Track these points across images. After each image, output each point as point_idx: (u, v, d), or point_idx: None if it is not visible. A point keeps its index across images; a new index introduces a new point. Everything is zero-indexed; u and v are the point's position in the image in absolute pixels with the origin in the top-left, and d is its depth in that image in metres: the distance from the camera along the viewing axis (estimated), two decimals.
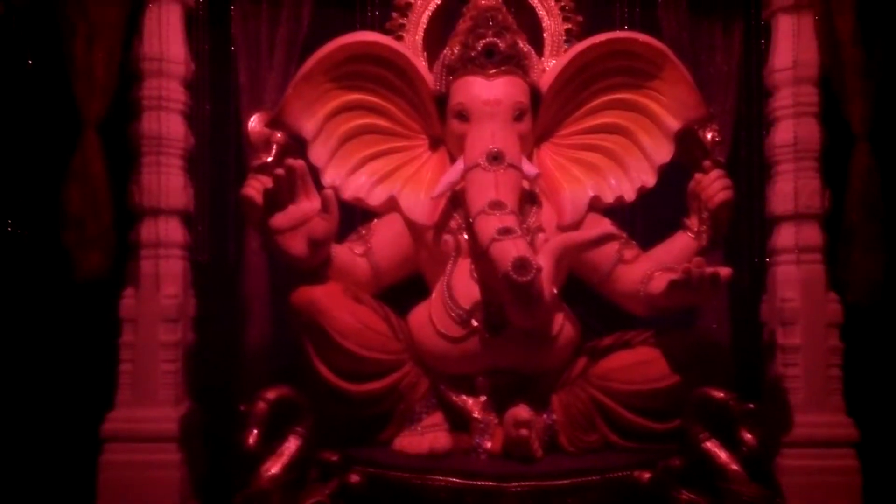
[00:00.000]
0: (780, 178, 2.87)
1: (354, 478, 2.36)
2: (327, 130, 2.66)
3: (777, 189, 2.87)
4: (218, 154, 2.90)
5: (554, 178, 2.69)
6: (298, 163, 2.43)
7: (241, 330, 2.91)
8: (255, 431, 2.24)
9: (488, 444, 2.44)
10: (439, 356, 2.51)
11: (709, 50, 2.95)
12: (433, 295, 2.58)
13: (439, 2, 2.80)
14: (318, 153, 2.64)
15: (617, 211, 2.74)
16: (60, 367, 2.91)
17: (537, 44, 2.77)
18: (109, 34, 2.70)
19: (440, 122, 2.71)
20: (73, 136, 2.69)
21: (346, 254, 2.60)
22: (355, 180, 2.68)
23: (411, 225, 2.65)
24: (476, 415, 2.48)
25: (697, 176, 2.62)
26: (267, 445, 2.28)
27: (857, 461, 2.75)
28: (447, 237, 2.61)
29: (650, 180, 2.69)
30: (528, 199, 2.63)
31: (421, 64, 2.72)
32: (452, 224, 2.61)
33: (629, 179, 2.69)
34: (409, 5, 2.79)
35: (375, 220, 2.70)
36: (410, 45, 2.76)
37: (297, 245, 2.41)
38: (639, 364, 2.47)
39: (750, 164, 2.92)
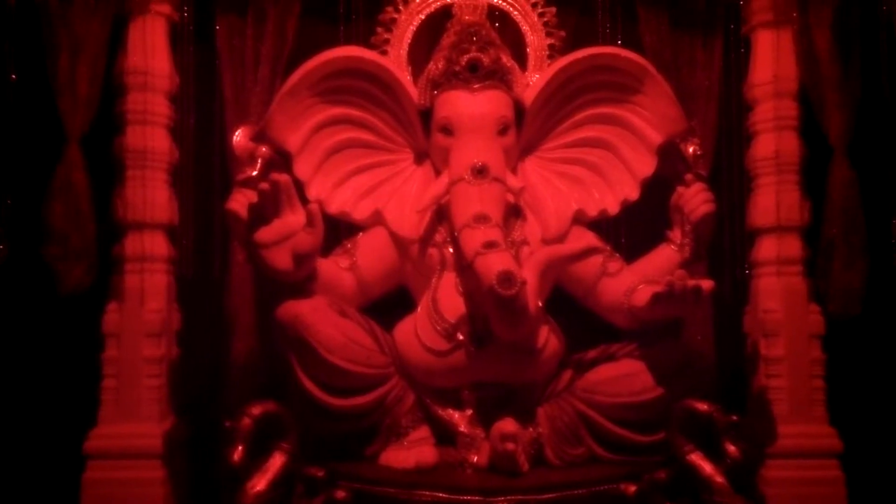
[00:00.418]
0: (761, 190, 2.91)
1: (340, 493, 2.35)
2: (312, 144, 2.67)
3: (758, 202, 2.91)
4: (203, 168, 2.90)
5: (538, 191, 2.71)
6: (283, 177, 2.44)
7: (226, 345, 2.89)
8: (241, 447, 2.24)
9: (475, 458, 2.45)
10: (425, 370, 2.51)
11: (690, 65, 2.98)
12: (418, 308, 2.58)
13: (424, 17, 2.82)
14: (303, 167, 2.64)
15: (601, 224, 2.76)
16: (43, 383, 2.89)
17: (521, 59, 2.80)
18: (93, 48, 2.71)
19: (425, 136, 2.72)
20: (56, 150, 2.68)
21: (332, 268, 2.60)
22: (340, 194, 2.69)
23: (396, 238, 2.65)
24: (462, 429, 2.48)
25: (680, 189, 2.64)
26: (252, 461, 2.28)
27: (840, 472, 2.77)
28: (432, 250, 2.62)
29: (633, 193, 2.71)
30: (513, 213, 2.65)
31: (405, 78, 2.73)
32: (437, 237, 2.62)
33: (612, 193, 2.72)
34: (394, 20, 2.81)
35: (361, 233, 2.71)
36: (395, 60, 2.77)
37: (282, 259, 2.41)
38: (623, 376, 2.49)
39: (731, 177, 2.96)
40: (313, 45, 2.74)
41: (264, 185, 2.39)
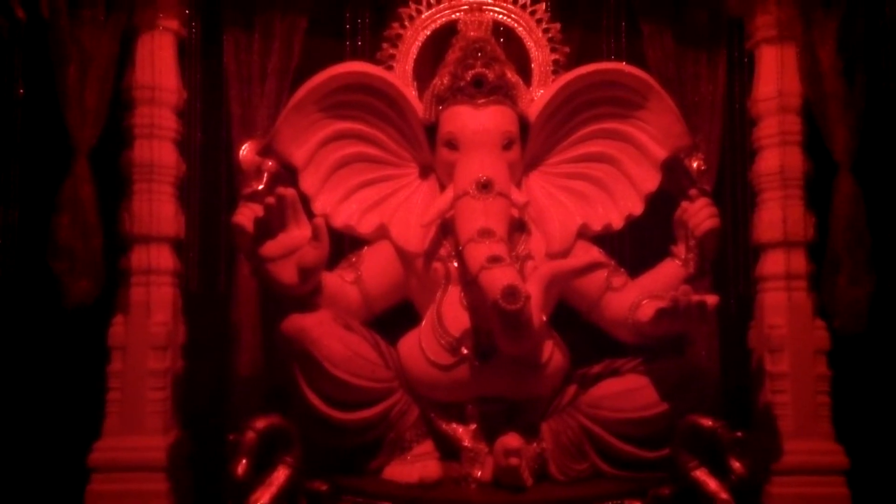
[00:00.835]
0: (766, 205, 2.91)
1: None
2: (318, 159, 2.68)
3: (763, 217, 2.91)
4: (209, 182, 2.92)
5: (543, 206, 2.71)
6: (289, 191, 2.45)
7: (232, 358, 2.90)
8: (244, 461, 2.23)
9: (478, 473, 2.44)
10: (429, 384, 2.51)
11: (694, 80, 2.99)
12: (423, 322, 2.58)
13: (429, 33, 2.84)
14: (308, 181, 2.66)
15: (605, 239, 2.77)
16: (48, 395, 2.90)
17: (525, 74, 2.81)
18: (102, 63, 2.74)
19: (430, 150, 2.73)
20: (64, 163, 2.70)
21: (337, 281, 2.61)
22: (346, 208, 2.70)
23: (401, 252, 2.66)
24: (466, 443, 2.48)
25: (684, 204, 2.65)
26: (256, 475, 2.27)
27: (846, 489, 2.75)
28: (437, 265, 2.62)
29: (637, 208, 2.72)
30: (518, 227, 2.66)
31: (411, 93, 2.75)
32: (442, 252, 2.63)
33: (617, 207, 2.73)
34: (400, 36, 2.83)
35: (366, 247, 2.72)
36: (401, 75, 2.79)
37: (287, 273, 2.42)
38: (628, 392, 2.48)
39: (736, 193, 2.96)
40: (320, 60, 2.76)
41: (270, 200, 2.40)
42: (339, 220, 2.68)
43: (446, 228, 2.63)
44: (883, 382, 3.01)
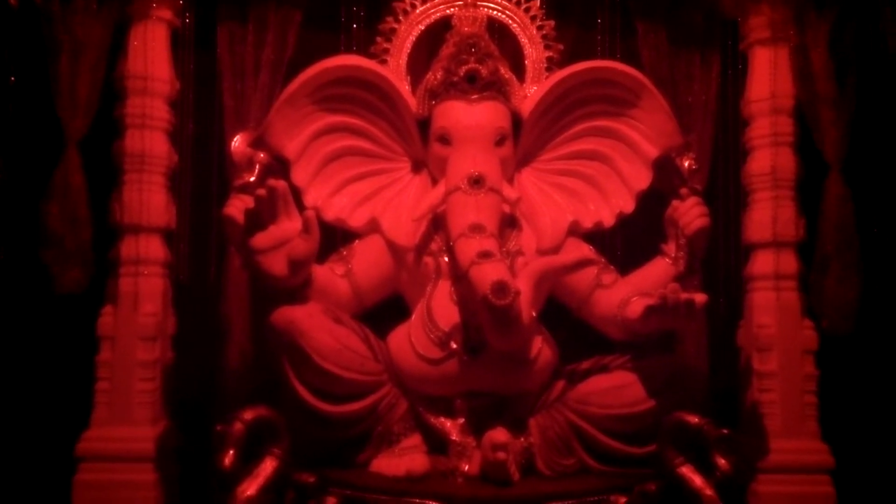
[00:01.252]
0: (757, 206, 2.92)
1: (331, 500, 2.35)
2: (310, 152, 2.68)
3: (753, 217, 2.92)
4: (201, 173, 2.91)
5: (534, 202, 2.72)
6: (280, 183, 2.45)
7: (221, 349, 2.89)
8: (232, 452, 2.22)
9: (466, 467, 2.44)
10: (418, 377, 2.52)
11: (687, 80, 3.00)
12: (413, 316, 2.58)
13: (423, 28, 2.84)
14: (300, 174, 2.66)
15: (596, 236, 2.77)
16: (37, 384, 2.89)
17: (519, 71, 2.81)
18: (94, 52, 2.73)
19: (422, 145, 2.74)
20: (55, 152, 2.69)
21: (327, 274, 2.61)
22: (337, 201, 2.70)
23: (392, 246, 2.66)
24: (454, 437, 2.48)
25: (675, 203, 2.66)
26: (243, 466, 2.27)
27: (832, 488, 2.77)
28: (428, 259, 2.63)
29: (628, 206, 2.73)
30: (509, 223, 2.66)
31: (404, 88, 2.75)
32: (433, 246, 2.63)
33: (608, 205, 2.73)
34: (394, 30, 2.83)
35: (357, 241, 2.72)
36: (394, 70, 2.79)
37: (277, 265, 2.42)
38: (616, 388, 2.49)
39: (727, 193, 2.97)
40: (313, 53, 2.76)
41: (261, 191, 2.40)
42: (330, 214, 2.68)
43: (437, 223, 2.63)
44: (869, 383, 3.03)
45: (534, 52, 2.84)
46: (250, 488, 2.25)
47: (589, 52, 2.90)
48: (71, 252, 2.65)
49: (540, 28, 2.85)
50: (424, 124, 2.71)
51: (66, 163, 2.68)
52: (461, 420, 2.50)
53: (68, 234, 2.65)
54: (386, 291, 2.71)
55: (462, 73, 2.63)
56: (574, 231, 2.71)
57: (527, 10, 2.84)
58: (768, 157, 2.90)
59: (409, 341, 2.52)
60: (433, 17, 2.83)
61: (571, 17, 3.00)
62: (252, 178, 2.58)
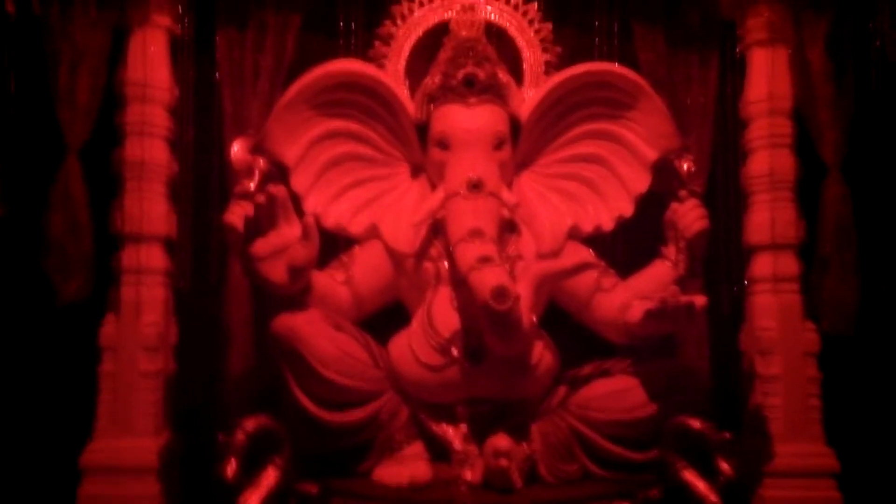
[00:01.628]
0: (756, 207, 2.92)
1: None
2: (309, 157, 2.68)
3: (753, 219, 2.92)
4: (201, 180, 2.90)
5: (533, 206, 2.72)
6: (279, 189, 2.45)
7: (223, 358, 2.88)
8: (234, 462, 2.22)
9: (468, 475, 2.44)
10: (419, 385, 2.51)
11: (686, 82, 3.00)
12: (413, 323, 2.58)
13: (422, 32, 2.83)
14: (300, 180, 2.66)
15: (595, 239, 2.77)
16: (39, 396, 2.88)
17: (517, 75, 2.81)
18: (94, 60, 2.73)
19: (421, 149, 2.74)
20: (55, 161, 2.69)
21: (327, 281, 2.61)
22: (337, 208, 2.70)
23: (392, 252, 2.66)
24: (456, 445, 2.48)
25: (674, 205, 2.65)
26: (245, 476, 2.26)
27: (837, 492, 2.76)
28: (428, 265, 2.63)
29: (628, 209, 2.73)
30: (508, 227, 2.66)
31: (403, 92, 2.75)
32: (433, 252, 2.63)
33: (607, 208, 2.73)
34: (392, 35, 2.83)
35: (357, 247, 2.72)
36: (392, 74, 2.79)
37: (277, 272, 2.42)
38: (617, 392, 2.49)
39: (726, 194, 2.97)
40: (313, 58, 2.76)
41: (260, 198, 2.40)
42: (330, 220, 2.68)
43: (437, 228, 2.63)
44: (872, 385, 3.02)
45: (531, 55, 2.83)
46: (252, 498, 2.25)
47: (587, 55, 2.89)
48: (72, 261, 2.65)
49: (538, 32, 2.85)
50: (423, 129, 2.71)
51: (66, 172, 2.69)
52: (463, 427, 2.50)
53: (69, 244, 2.65)
54: (386, 298, 2.71)
55: (460, 77, 2.63)
56: (573, 235, 2.71)
57: (524, 13, 2.84)
58: (767, 159, 2.89)
59: (409, 348, 2.51)
60: (431, 21, 2.83)
61: (570, 21, 2.99)
62: (252, 185, 2.57)
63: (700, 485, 2.30)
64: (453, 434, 2.50)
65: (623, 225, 2.76)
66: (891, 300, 2.92)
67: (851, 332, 2.80)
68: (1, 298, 2.77)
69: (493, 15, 2.82)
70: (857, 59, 2.86)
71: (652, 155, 2.70)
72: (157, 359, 2.75)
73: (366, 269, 2.67)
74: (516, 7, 2.84)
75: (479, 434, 2.47)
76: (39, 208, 2.68)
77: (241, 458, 2.23)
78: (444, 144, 2.63)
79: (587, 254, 2.69)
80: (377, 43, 2.83)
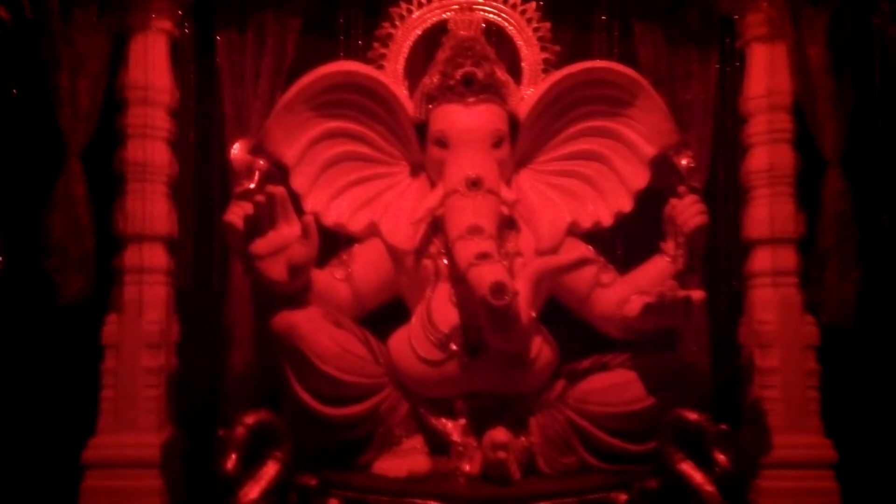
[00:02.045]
0: (756, 202, 2.92)
1: (333, 502, 2.38)
2: (309, 157, 2.70)
3: (753, 213, 2.92)
4: (202, 181, 2.93)
5: (532, 203, 2.73)
6: (278, 189, 2.47)
7: (225, 355, 2.91)
8: (234, 456, 2.24)
9: (467, 468, 2.46)
10: (418, 379, 2.53)
11: (685, 78, 3.00)
12: (413, 319, 2.60)
13: (420, 32, 2.85)
14: (299, 180, 2.68)
15: (595, 236, 2.78)
16: (42, 393, 2.91)
17: (516, 73, 2.83)
18: (94, 63, 2.75)
19: (420, 148, 2.75)
20: (57, 163, 2.72)
21: (328, 279, 2.63)
22: (336, 206, 2.72)
23: (392, 250, 2.68)
24: (455, 438, 2.49)
25: (673, 201, 2.65)
26: (246, 470, 2.29)
27: (835, 483, 2.76)
28: (427, 262, 2.64)
29: (627, 205, 2.73)
30: (507, 224, 2.67)
31: (402, 92, 2.77)
32: (432, 249, 2.65)
33: (606, 204, 2.74)
34: (391, 36, 2.85)
35: (356, 245, 2.74)
36: (391, 74, 2.81)
37: (277, 270, 2.44)
38: (615, 386, 2.50)
39: (726, 189, 2.97)
40: (312, 59, 2.79)
41: (260, 198, 2.42)
42: (329, 219, 2.70)
43: (436, 226, 2.64)
44: (871, 377, 3.01)
45: (530, 54, 2.85)
46: (253, 492, 2.28)
47: (587, 53, 2.91)
48: (74, 261, 2.68)
49: (536, 30, 2.86)
50: (422, 128, 2.73)
51: (68, 173, 2.71)
52: (462, 421, 2.51)
53: (71, 244, 2.68)
54: (386, 295, 2.73)
55: (458, 77, 2.65)
56: (573, 231, 2.72)
57: (523, 12, 2.86)
58: (767, 154, 2.89)
59: (409, 344, 2.53)
60: (429, 21, 2.85)
61: (569, 19, 3.00)
62: (252, 185, 2.60)
63: (697, 476, 2.31)
64: (452, 427, 2.51)
65: (622, 221, 2.76)
66: (889, 293, 2.92)
67: (851, 325, 2.79)
68: (5, 299, 2.80)
69: (491, 14, 2.84)
70: (856, 53, 2.86)
71: (650, 151, 2.71)
72: (160, 355, 2.78)
73: (365, 267, 2.69)
74: (514, 6, 2.85)
75: (478, 428, 2.48)
76: (41, 209, 2.70)
77: (242, 452, 2.26)
78: (442, 143, 2.65)
79: (586, 250, 2.70)
80: (376, 44, 2.84)
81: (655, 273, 2.64)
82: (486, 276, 2.32)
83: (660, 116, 2.71)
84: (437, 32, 2.83)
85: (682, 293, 2.34)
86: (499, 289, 2.29)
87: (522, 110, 2.74)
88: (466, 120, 2.64)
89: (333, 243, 2.75)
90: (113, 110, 2.82)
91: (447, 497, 2.33)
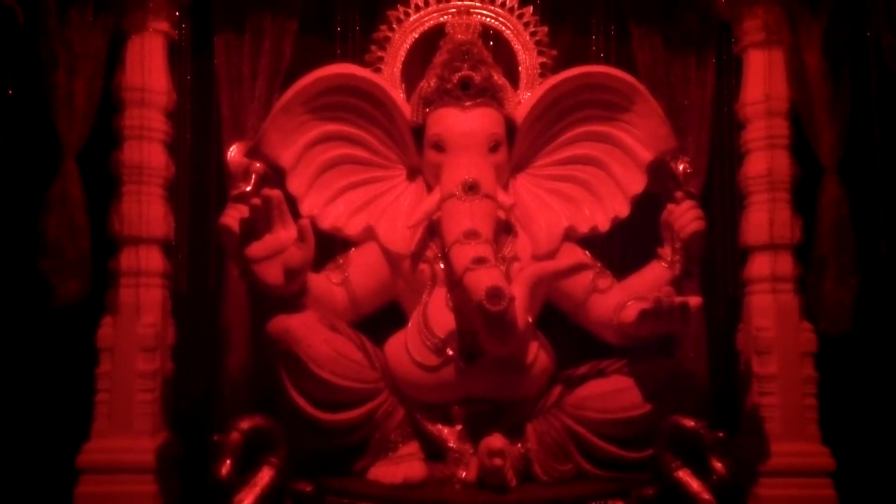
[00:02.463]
0: (753, 208, 2.92)
1: None
2: (305, 160, 2.70)
3: (750, 219, 2.92)
4: (199, 183, 2.92)
5: (529, 208, 2.72)
6: (275, 192, 2.46)
7: (221, 359, 2.90)
8: (228, 462, 2.23)
9: (463, 474, 2.45)
10: (415, 385, 2.52)
11: (683, 83, 3.00)
12: (409, 324, 2.59)
13: (417, 36, 2.85)
14: (296, 183, 2.67)
15: (591, 241, 2.77)
16: (37, 396, 2.90)
17: (513, 77, 2.82)
18: (91, 64, 2.75)
19: (417, 152, 2.75)
20: (53, 164, 2.71)
21: (324, 283, 2.62)
22: (333, 210, 2.71)
23: (388, 254, 2.67)
24: (451, 444, 2.49)
25: (670, 206, 2.65)
26: (240, 476, 2.27)
27: (833, 490, 2.76)
28: (424, 266, 2.63)
29: (623, 210, 2.73)
30: (504, 229, 2.67)
31: (399, 95, 2.76)
32: (429, 253, 2.64)
33: (603, 210, 2.74)
34: (388, 39, 2.84)
35: (353, 249, 2.73)
36: (388, 78, 2.80)
37: (272, 274, 2.43)
38: (612, 392, 2.49)
39: (724, 195, 2.97)
40: (309, 62, 2.78)
41: (255, 201, 2.41)
42: (326, 222, 2.69)
43: (433, 230, 2.64)
44: (869, 384, 3.01)
45: (527, 58, 2.85)
46: (247, 498, 2.26)
47: (585, 58, 2.90)
48: (70, 263, 2.67)
49: (533, 34, 2.86)
50: (419, 132, 2.72)
51: (64, 174, 2.70)
52: (458, 427, 2.50)
53: (67, 245, 2.67)
54: (382, 299, 2.72)
55: (455, 80, 2.64)
56: (569, 236, 2.71)
57: (520, 16, 2.86)
58: (764, 160, 2.90)
59: (405, 349, 2.52)
60: (427, 24, 2.85)
61: (566, 23, 3.00)
62: (248, 188, 2.59)
63: (694, 483, 2.30)
64: (448, 433, 2.50)
65: (619, 226, 2.76)
66: (887, 300, 2.91)
67: (849, 332, 2.79)
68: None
69: (488, 18, 2.84)
70: (853, 59, 2.86)
71: (647, 156, 2.71)
72: (155, 359, 2.77)
73: (362, 271, 2.67)
74: (512, 10, 2.85)
75: (474, 434, 2.47)
76: (37, 211, 2.69)
77: (236, 457, 2.24)
78: (439, 147, 2.64)
79: (583, 255, 2.70)
80: (373, 47, 2.84)
81: (652, 279, 2.63)
82: (482, 280, 2.31)
83: (657, 121, 2.71)
84: (434, 36, 2.83)
85: (678, 299, 2.34)
86: (495, 294, 2.28)
87: (519, 114, 2.73)
88: (463, 124, 2.63)
89: (330, 247, 2.74)
90: (109, 112, 2.81)
91: (443, 503, 2.32)
